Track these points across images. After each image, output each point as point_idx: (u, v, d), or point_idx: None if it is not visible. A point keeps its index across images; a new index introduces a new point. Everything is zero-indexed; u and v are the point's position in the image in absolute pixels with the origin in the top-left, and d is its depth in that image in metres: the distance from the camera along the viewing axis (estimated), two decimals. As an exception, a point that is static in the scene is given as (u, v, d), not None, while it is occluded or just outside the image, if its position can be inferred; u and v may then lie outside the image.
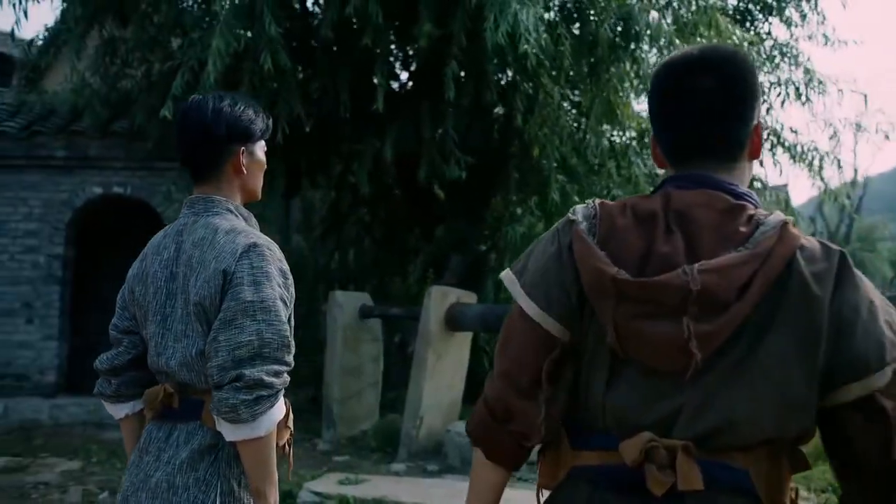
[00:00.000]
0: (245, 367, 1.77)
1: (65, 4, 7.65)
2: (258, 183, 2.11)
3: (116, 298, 2.14)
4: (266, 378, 1.78)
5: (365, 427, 7.64)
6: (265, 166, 2.12)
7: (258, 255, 1.87)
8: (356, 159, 7.97)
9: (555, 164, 7.82)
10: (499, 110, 8.93)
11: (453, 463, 6.55)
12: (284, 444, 2.03)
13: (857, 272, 1.29)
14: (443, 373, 7.07)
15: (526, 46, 6.31)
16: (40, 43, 8.41)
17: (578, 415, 1.33)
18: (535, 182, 8.29)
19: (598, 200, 1.37)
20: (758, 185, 9.00)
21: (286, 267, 1.97)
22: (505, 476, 1.41)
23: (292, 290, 1.98)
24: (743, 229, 1.27)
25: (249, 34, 6.74)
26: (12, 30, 7.93)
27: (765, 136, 9.01)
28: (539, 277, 1.34)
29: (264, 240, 1.93)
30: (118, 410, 2.12)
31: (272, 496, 1.88)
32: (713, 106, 1.35)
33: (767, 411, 1.23)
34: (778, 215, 1.30)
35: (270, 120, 2.15)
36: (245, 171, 2.04)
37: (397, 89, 8.47)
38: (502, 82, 8.47)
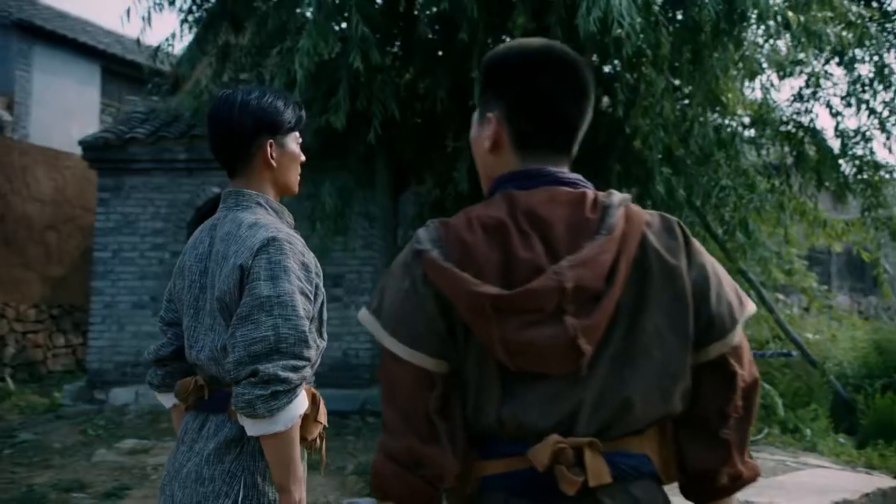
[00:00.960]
0: (261, 363, 1.76)
1: (182, 14, 8.12)
2: (291, 175, 2.10)
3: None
4: (282, 373, 1.76)
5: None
6: (299, 158, 2.11)
7: (277, 248, 1.86)
8: (458, 156, 8.04)
9: (659, 156, 7.59)
10: (606, 102, 8.78)
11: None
12: (315, 439, 2.02)
13: (697, 242, 1.35)
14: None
15: (619, 31, 6.18)
16: (165, 51, 8.93)
17: (478, 429, 1.30)
18: (639, 175, 8.08)
19: (438, 220, 1.33)
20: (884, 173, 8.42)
21: (310, 259, 1.96)
22: None
23: (319, 282, 1.98)
24: (591, 216, 1.28)
25: (344, 34, 6.93)
26: (138, 38, 8.49)
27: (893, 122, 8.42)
28: (399, 315, 1.29)
29: (285, 233, 1.92)
30: (167, 400, 2.17)
31: (297, 492, 1.85)
32: (579, 102, 1.38)
33: (656, 388, 1.26)
34: (617, 195, 1.32)
35: (303, 111, 2.13)
36: (275, 164, 2.03)
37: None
38: (604, 73, 8.32)
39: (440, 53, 7.75)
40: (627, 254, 1.25)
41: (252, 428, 1.81)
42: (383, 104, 7.26)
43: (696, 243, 1.34)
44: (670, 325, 1.27)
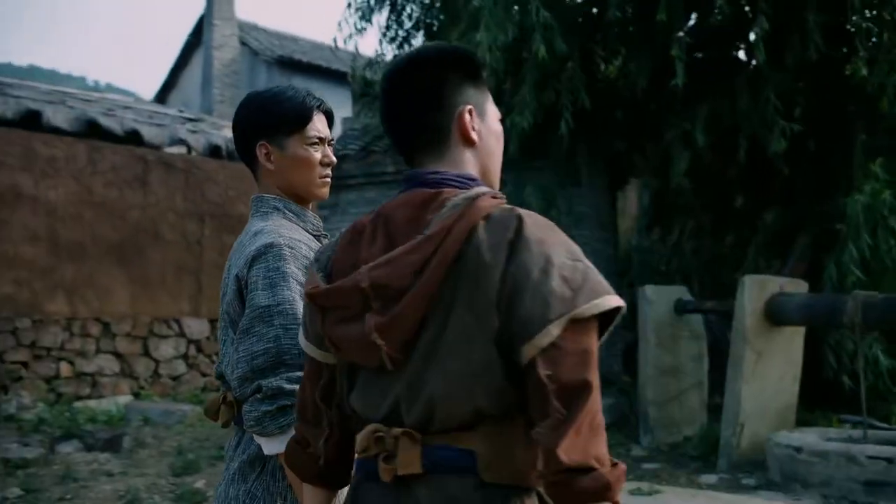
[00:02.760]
0: (264, 377, 1.69)
1: (382, 30, 8.27)
2: (297, 180, 1.95)
3: None
4: (287, 386, 1.67)
5: (688, 433, 6.98)
6: (307, 162, 1.94)
7: (275, 255, 1.76)
8: (671, 145, 7.32)
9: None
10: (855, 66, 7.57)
11: (773, 477, 5.66)
12: None
13: (539, 234, 1.27)
14: (766, 373, 6.16)
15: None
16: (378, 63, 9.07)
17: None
18: (890, 144, 6.85)
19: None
20: None
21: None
22: (326, 494, 1.53)
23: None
24: (430, 217, 1.31)
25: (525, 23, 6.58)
26: (351, 66, 8.76)
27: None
28: (305, 309, 1.47)
29: (286, 238, 1.81)
30: None
31: None
32: (410, 100, 1.41)
33: (459, 387, 1.26)
34: (473, 191, 1.33)
35: (314, 109, 1.95)
36: (273, 168, 1.92)
37: (701, 60, 7.64)
38: (846, 29, 7.18)
39: (634, 36, 7.14)
40: (444, 251, 1.26)
41: (266, 446, 1.74)
42: (574, 95, 6.82)
43: (534, 238, 1.26)
44: (476, 322, 1.25)
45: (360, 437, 1.34)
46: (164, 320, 10.51)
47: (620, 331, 8.88)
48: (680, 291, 7.22)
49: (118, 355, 10.00)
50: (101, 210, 10.01)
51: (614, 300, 1.23)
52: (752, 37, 7.63)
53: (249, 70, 17.38)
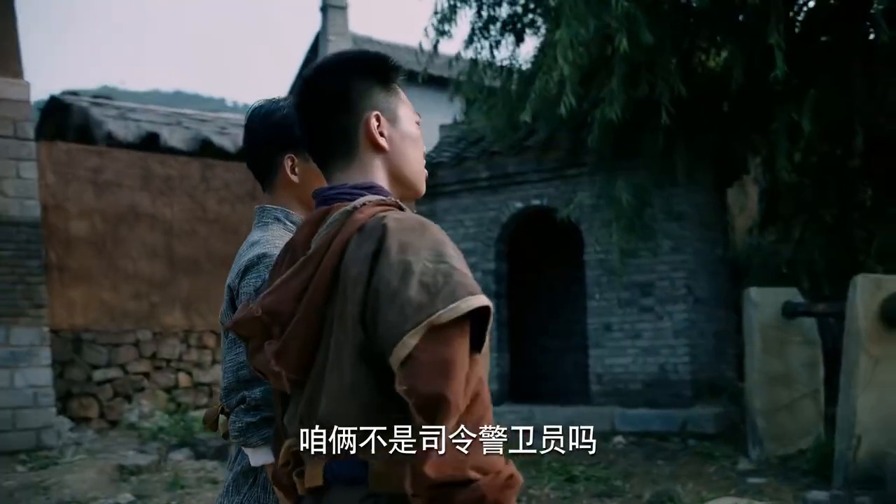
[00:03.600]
0: (249, 388, 1.69)
1: (470, 32, 8.18)
2: None
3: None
4: (271, 398, 1.66)
5: (803, 445, 6.47)
6: None
7: (266, 266, 1.74)
8: (777, 139, 6.84)
9: None
10: None
11: (894, 495, 5.13)
12: None
13: (402, 239, 1.21)
14: (886, 381, 5.61)
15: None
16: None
17: None
18: None
19: None
20: None
21: None
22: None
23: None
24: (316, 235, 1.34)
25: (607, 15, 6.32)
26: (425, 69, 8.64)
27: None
28: None
29: (279, 249, 1.76)
30: None
31: None
32: (318, 108, 1.42)
33: (339, 404, 1.25)
34: (354, 202, 1.31)
35: None
36: (297, 180, 1.90)
37: (810, 44, 7.09)
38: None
39: (730, 25, 6.72)
40: (322, 272, 1.27)
41: (252, 458, 1.74)
42: (670, 85, 6.48)
43: (394, 244, 1.21)
44: (346, 340, 1.24)
45: (281, 453, 1.37)
46: (275, 331, 10.82)
47: (733, 335, 8.39)
48: (789, 293, 6.71)
49: (233, 366, 10.36)
50: (214, 226, 10.40)
51: (476, 300, 1.15)
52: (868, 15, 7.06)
53: (363, 83, 17.66)
